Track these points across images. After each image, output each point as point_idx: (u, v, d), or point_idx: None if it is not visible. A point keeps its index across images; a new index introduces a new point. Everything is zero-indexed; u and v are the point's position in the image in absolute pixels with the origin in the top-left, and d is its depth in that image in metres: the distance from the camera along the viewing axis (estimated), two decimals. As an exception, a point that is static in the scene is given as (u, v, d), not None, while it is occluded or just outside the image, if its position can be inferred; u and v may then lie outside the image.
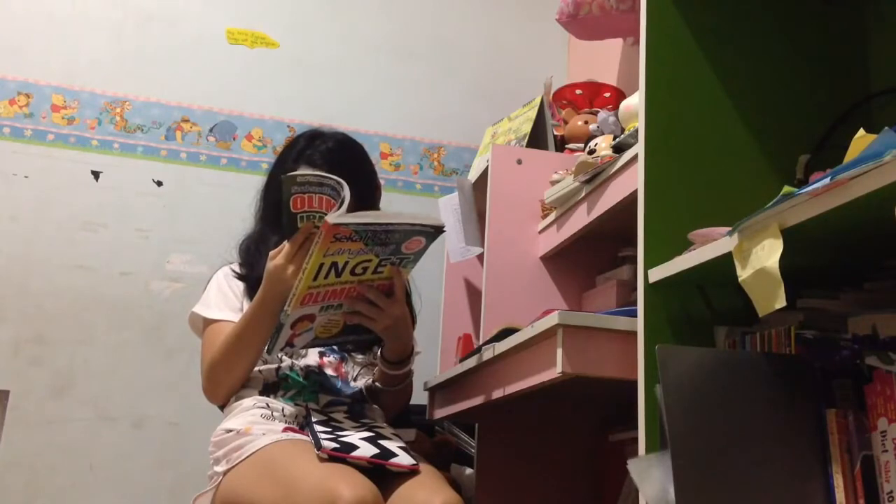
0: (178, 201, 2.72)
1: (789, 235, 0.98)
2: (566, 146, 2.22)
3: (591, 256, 2.06)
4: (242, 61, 2.87)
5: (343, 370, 1.81)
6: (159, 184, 2.73)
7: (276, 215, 1.68)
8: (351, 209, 1.51)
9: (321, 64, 2.92)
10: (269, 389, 1.71)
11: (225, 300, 1.78)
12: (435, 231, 1.52)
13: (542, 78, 2.50)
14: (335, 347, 1.80)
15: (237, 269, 1.84)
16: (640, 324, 1.26)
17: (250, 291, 1.75)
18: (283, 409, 1.65)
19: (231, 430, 1.62)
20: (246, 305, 1.75)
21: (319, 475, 1.39)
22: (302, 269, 1.49)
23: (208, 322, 1.76)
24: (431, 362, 2.27)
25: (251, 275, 1.79)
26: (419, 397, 2.16)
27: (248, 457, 1.54)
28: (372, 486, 1.36)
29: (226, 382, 1.70)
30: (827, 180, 0.90)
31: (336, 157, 1.80)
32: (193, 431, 2.48)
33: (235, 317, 1.72)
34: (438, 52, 3.05)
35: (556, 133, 2.26)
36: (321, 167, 1.74)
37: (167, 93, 2.79)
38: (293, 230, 1.57)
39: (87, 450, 2.49)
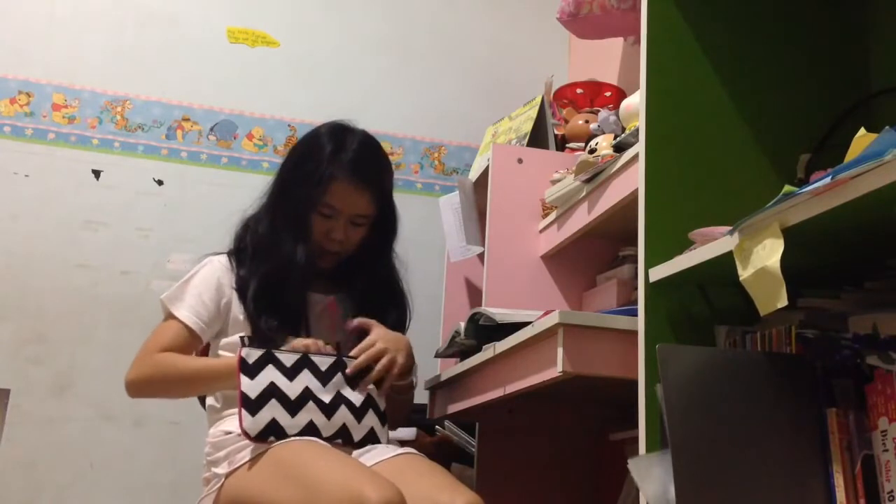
0: (179, 200, 2.72)
1: (790, 234, 0.98)
2: (567, 145, 2.22)
3: (591, 256, 2.06)
4: (243, 60, 2.87)
5: None
6: (160, 183, 2.73)
7: (298, 215, 1.77)
8: (373, 219, 1.82)
9: (322, 63, 2.93)
10: None
11: (199, 303, 1.75)
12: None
13: (542, 77, 2.50)
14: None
15: (235, 264, 1.82)
16: (640, 323, 1.26)
17: (252, 287, 1.75)
18: None
19: (230, 433, 1.61)
20: (232, 304, 1.76)
21: (342, 476, 1.38)
22: None
23: (171, 316, 1.75)
24: (431, 362, 2.27)
25: (257, 271, 1.77)
26: (420, 396, 2.15)
27: (256, 456, 1.53)
28: (396, 487, 1.35)
29: (151, 396, 1.78)
30: (828, 179, 0.90)
31: (367, 164, 1.82)
32: (194, 430, 2.47)
33: (199, 325, 1.73)
34: (439, 50, 3.05)
35: (556, 132, 2.26)
36: (354, 174, 1.78)
37: (168, 92, 2.79)
38: None
39: (88, 448, 2.49)
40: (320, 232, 1.80)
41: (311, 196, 1.77)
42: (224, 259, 1.83)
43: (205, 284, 1.78)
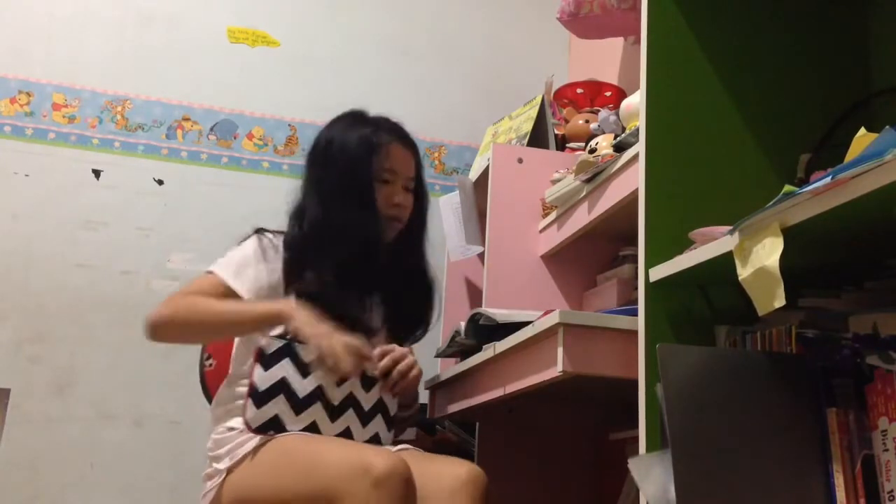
0: (179, 200, 2.72)
1: (790, 234, 0.98)
2: (567, 145, 2.22)
3: (591, 255, 2.06)
4: (243, 60, 2.87)
5: None
6: (160, 182, 2.73)
7: (362, 187, 1.73)
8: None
9: (322, 63, 2.93)
10: None
11: (245, 268, 1.68)
12: None
13: (542, 77, 2.50)
14: None
15: (279, 241, 1.73)
16: (640, 323, 1.26)
17: (328, 271, 1.68)
18: None
19: (234, 429, 1.61)
20: (280, 278, 1.69)
21: (345, 451, 1.40)
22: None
23: (209, 272, 1.67)
24: (432, 361, 2.27)
25: (331, 255, 1.68)
26: (420, 396, 2.15)
27: (256, 449, 1.53)
28: (401, 457, 1.37)
29: (172, 338, 1.69)
30: (828, 179, 0.90)
31: (403, 129, 1.85)
32: (194, 430, 2.48)
33: (243, 288, 1.65)
34: (439, 50, 3.05)
35: (556, 132, 2.26)
36: (402, 137, 1.82)
37: (168, 91, 2.79)
38: None
39: (88, 448, 2.49)
40: (383, 199, 1.76)
41: (371, 164, 1.75)
42: (271, 239, 1.74)
43: (250, 258, 1.70)
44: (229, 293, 1.64)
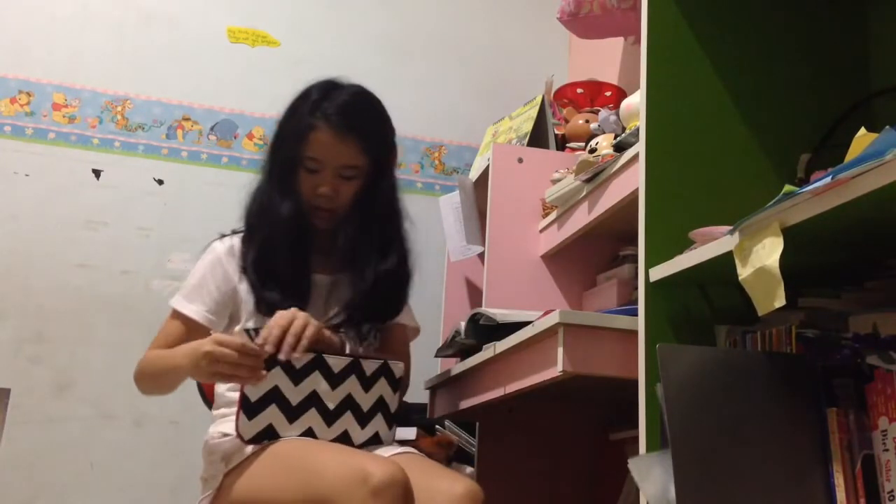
0: (179, 200, 2.72)
1: (790, 234, 0.98)
2: (567, 145, 2.22)
3: (591, 255, 2.06)
4: (243, 60, 2.87)
5: None
6: (160, 182, 2.73)
7: (285, 173, 1.69)
8: (365, 172, 1.68)
9: (322, 62, 2.91)
10: None
11: (198, 292, 1.69)
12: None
13: (542, 77, 2.50)
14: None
15: (237, 240, 1.73)
16: (640, 323, 1.26)
17: (250, 258, 1.68)
18: None
19: (228, 434, 1.60)
20: (238, 288, 1.68)
21: (343, 457, 1.38)
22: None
23: (172, 310, 1.69)
24: (432, 361, 2.27)
25: (255, 236, 1.70)
26: (420, 396, 2.16)
27: (253, 454, 1.52)
28: (399, 464, 1.35)
29: (150, 393, 1.72)
30: (828, 179, 0.90)
31: (351, 111, 1.70)
32: (194, 430, 2.46)
33: (200, 314, 1.66)
34: (439, 50, 3.05)
35: (557, 132, 2.26)
36: (336, 121, 1.67)
37: (168, 91, 2.79)
38: None
39: (88, 448, 2.49)
40: (308, 188, 1.68)
41: (293, 151, 1.68)
42: (227, 242, 1.75)
43: (206, 273, 1.71)
44: (191, 324, 1.66)
